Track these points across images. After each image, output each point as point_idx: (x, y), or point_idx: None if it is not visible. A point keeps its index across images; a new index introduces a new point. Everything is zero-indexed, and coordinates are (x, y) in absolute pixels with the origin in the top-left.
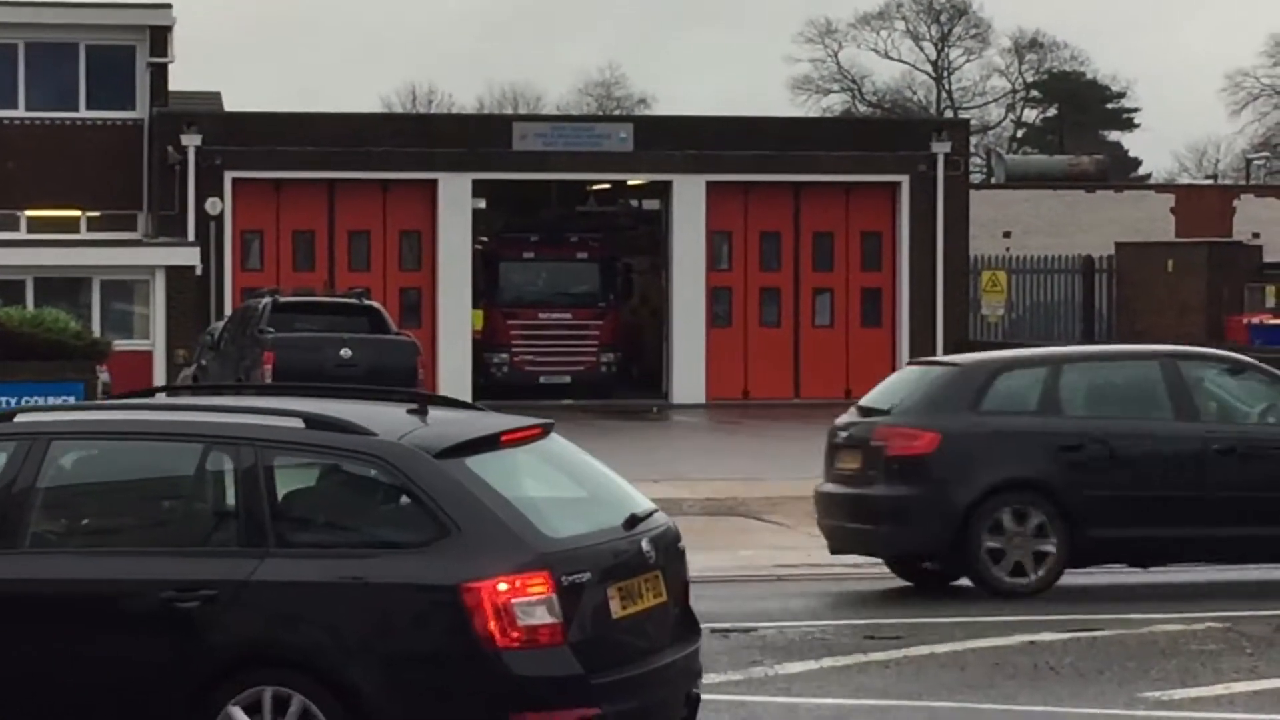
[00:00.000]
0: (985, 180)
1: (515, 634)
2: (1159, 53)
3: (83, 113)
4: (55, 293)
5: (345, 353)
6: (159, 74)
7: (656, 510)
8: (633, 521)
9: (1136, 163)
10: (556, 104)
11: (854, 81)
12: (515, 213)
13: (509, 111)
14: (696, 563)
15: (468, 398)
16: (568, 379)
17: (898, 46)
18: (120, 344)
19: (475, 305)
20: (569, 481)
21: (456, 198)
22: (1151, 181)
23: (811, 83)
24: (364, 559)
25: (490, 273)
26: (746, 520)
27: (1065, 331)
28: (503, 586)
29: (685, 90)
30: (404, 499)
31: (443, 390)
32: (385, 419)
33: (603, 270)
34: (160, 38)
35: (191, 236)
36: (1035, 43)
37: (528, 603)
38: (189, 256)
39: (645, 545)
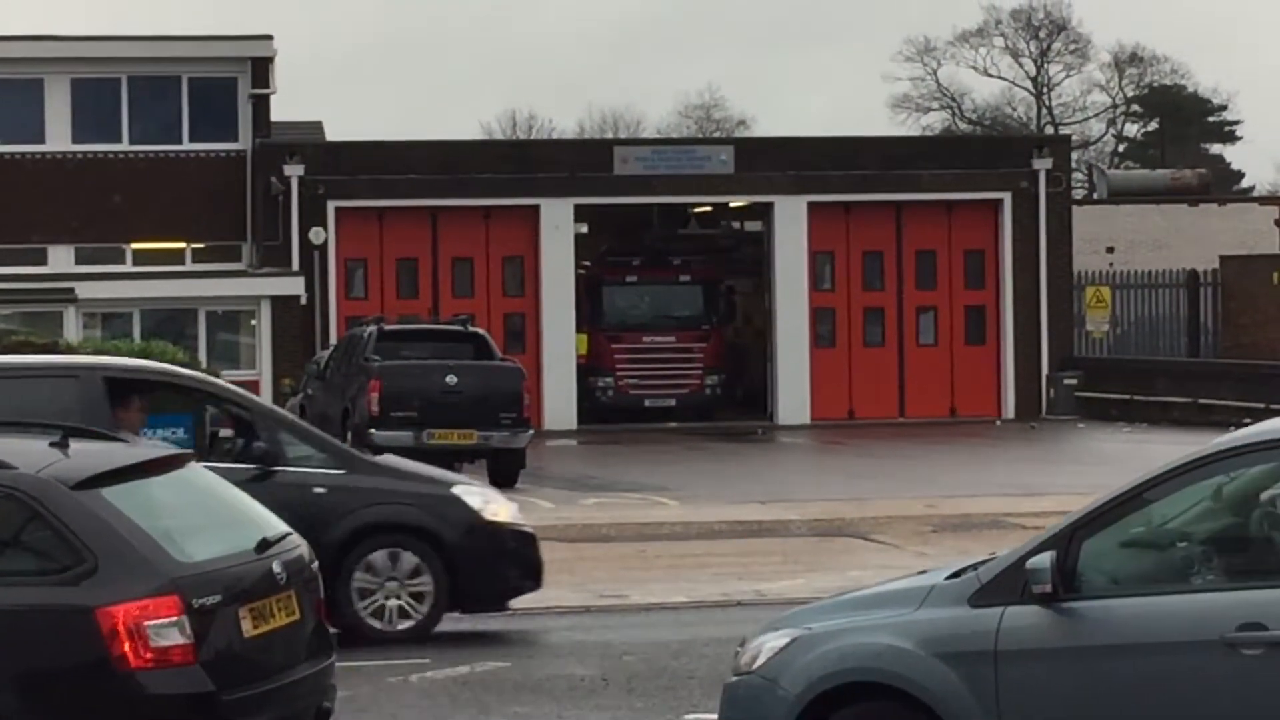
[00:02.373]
0: (1087, 196)
1: (148, 655)
2: (1260, 65)
3: (186, 145)
4: (162, 324)
5: (451, 379)
6: (261, 105)
7: (290, 534)
8: (264, 545)
9: (1239, 175)
10: (657, 127)
11: (954, 99)
12: (617, 237)
13: (609, 136)
14: (806, 583)
15: (573, 423)
16: (672, 402)
17: (997, 63)
18: (226, 374)
19: (579, 330)
20: (204, 509)
21: (558, 223)
22: (1255, 194)
23: (911, 101)
24: (3, 587)
25: (593, 297)
26: (854, 540)
27: (1170, 346)
28: (135, 610)
29: (785, 111)
30: (42, 529)
31: (548, 414)
32: (26, 452)
33: (705, 293)
34: (261, 69)
35: (295, 266)
36: (1135, 57)
37: (160, 625)
38: (293, 286)
39: (277, 567)
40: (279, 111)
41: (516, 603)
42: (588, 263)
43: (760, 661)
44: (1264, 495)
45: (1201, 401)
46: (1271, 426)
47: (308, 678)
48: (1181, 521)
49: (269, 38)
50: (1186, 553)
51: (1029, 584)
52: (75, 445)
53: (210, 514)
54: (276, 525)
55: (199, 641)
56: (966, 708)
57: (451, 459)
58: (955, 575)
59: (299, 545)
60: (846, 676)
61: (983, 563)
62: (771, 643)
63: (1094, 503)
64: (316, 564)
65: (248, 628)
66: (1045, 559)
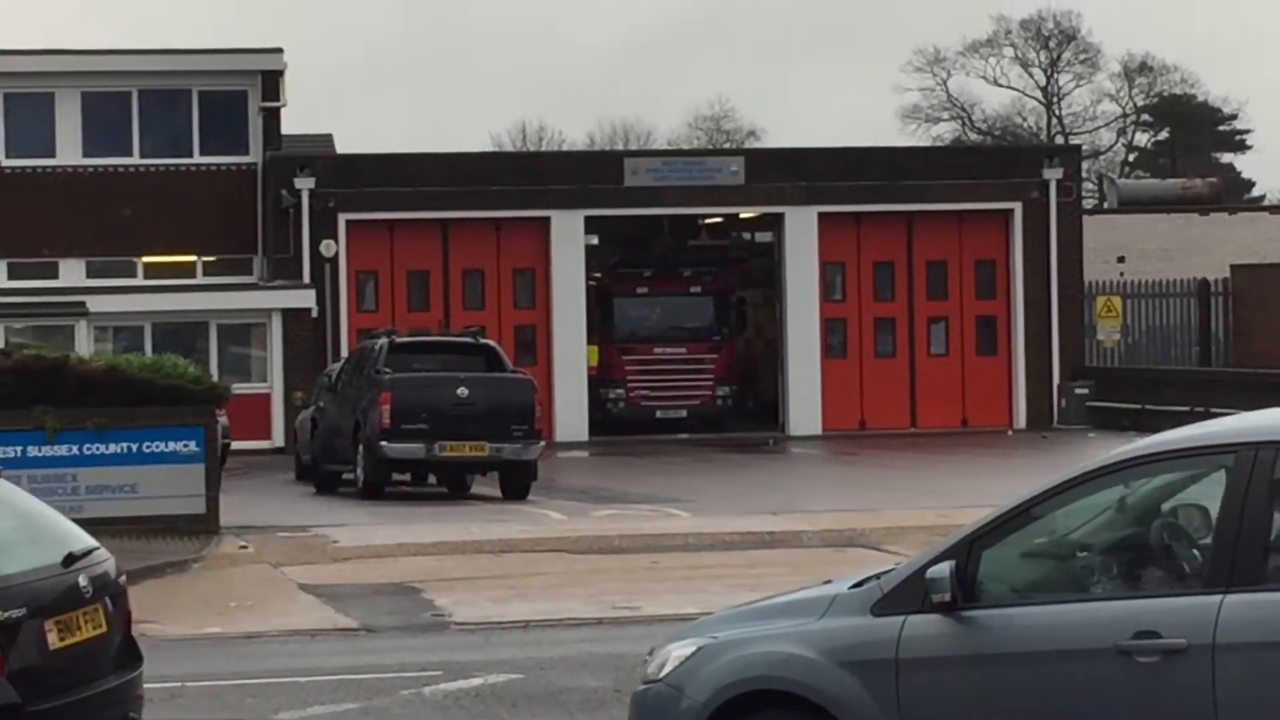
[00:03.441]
0: (1098, 205)
1: None
2: (1270, 73)
3: (196, 158)
4: (173, 338)
5: (462, 391)
6: (271, 118)
7: (98, 548)
8: (70, 560)
9: (1250, 184)
10: (667, 139)
11: (964, 109)
12: (628, 248)
13: (619, 147)
14: None
15: (584, 434)
16: (683, 413)
17: (1007, 73)
18: (238, 387)
19: (590, 341)
20: (9, 524)
21: (569, 234)
22: (1265, 203)
23: (921, 111)
24: None
25: (604, 308)
26: (866, 551)
27: (1181, 356)
28: None
29: (795, 122)
30: None
31: (559, 426)
32: None
33: (716, 304)
34: (272, 82)
35: (307, 279)
36: (1145, 66)
37: None
38: (304, 299)
39: (83, 581)
40: (289, 124)
41: (529, 614)
42: (598, 274)
43: (667, 670)
44: (1165, 506)
45: (1213, 411)
46: (1170, 437)
47: (115, 689)
48: (1082, 531)
49: (279, 51)
50: (1086, 562)
51: (929, 593)
52: None
53: (15, 529)
54: (84, 540)
55: (4, 654)
56: (869, 715)
57: (463, 471)
58: (859, 585)
59: (106, 559)
60: (751, 684)
61: (885, 573)
62: (678, 651)
63: (993, 513)
64: (124, 578)
65: (54, 640)
66: (944, 569)
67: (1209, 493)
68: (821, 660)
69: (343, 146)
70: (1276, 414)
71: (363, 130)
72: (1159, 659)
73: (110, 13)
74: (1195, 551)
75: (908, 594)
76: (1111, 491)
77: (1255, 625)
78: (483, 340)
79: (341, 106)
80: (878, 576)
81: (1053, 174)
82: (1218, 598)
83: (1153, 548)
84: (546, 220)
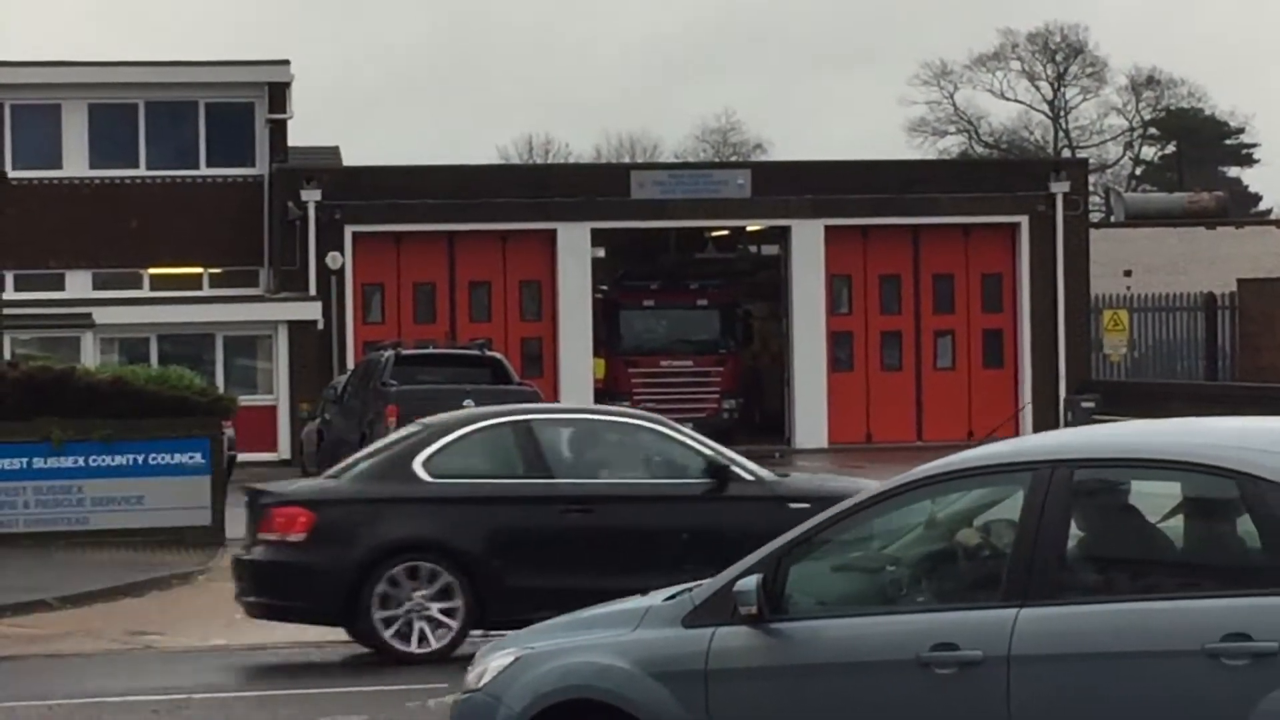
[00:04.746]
0: (1104, 219)
1: None
2: (1277, 87)
3: (203, 170)
4: (179, 349)
5: (468, 404)
6: (278, 130)
7: None
8: None
9: (1257, 198)
10: (674, 152)
11: (970, 123)
12: (634, 261)
13: (626, 160)
14: None
15: None
16: (690, 426)
17: (1014, 87)
18: (244, 399)
19: (596, 354)
20: None
21: (576, 247)
22: (1272, 217)
23: (928, 125)
24: None
25: (611, 321)
26: None
27: (1188, 370)
28: None
29: (801, 135)
30: None
31: None
32: None
33: (723, 316)
34: (279, 94)
35: (313, 291)
36: (1152, 80)
37: None
38: (311, 311)
39: None
40: (296, 137)
41: None
42: (605, 287)
43: (486, 679)
44: (966, 521)
45: None
46: (973, 454)
47: None
48: (889, 545)
49: (285, 63)
50: (893, 576)
51: (737, 606)
52: None
53: None
54: None
55: None
56: None
57: None
58: (672, 597)
59: None
60: (566, 694)
61: (698, 585)
62: (497, 661)
63: (802, 527)
64: None
65: None
66: (752, 581)
67: (1010, 509)
68: (634, 671)
69: (349, 159)
70: (1074, 433)
71: (371, 144)
72: (956, 670)
73: (119, 24)
74: (994, 566)
75: (717, 606)
76: (918, 507)
77: (1048, 638)
78: (489, 353)
79: (350, 120)
80: (690, 589)
81: (1059, 187)
82: (1014, 611)
83: (955, 562)
84: (553, 233)
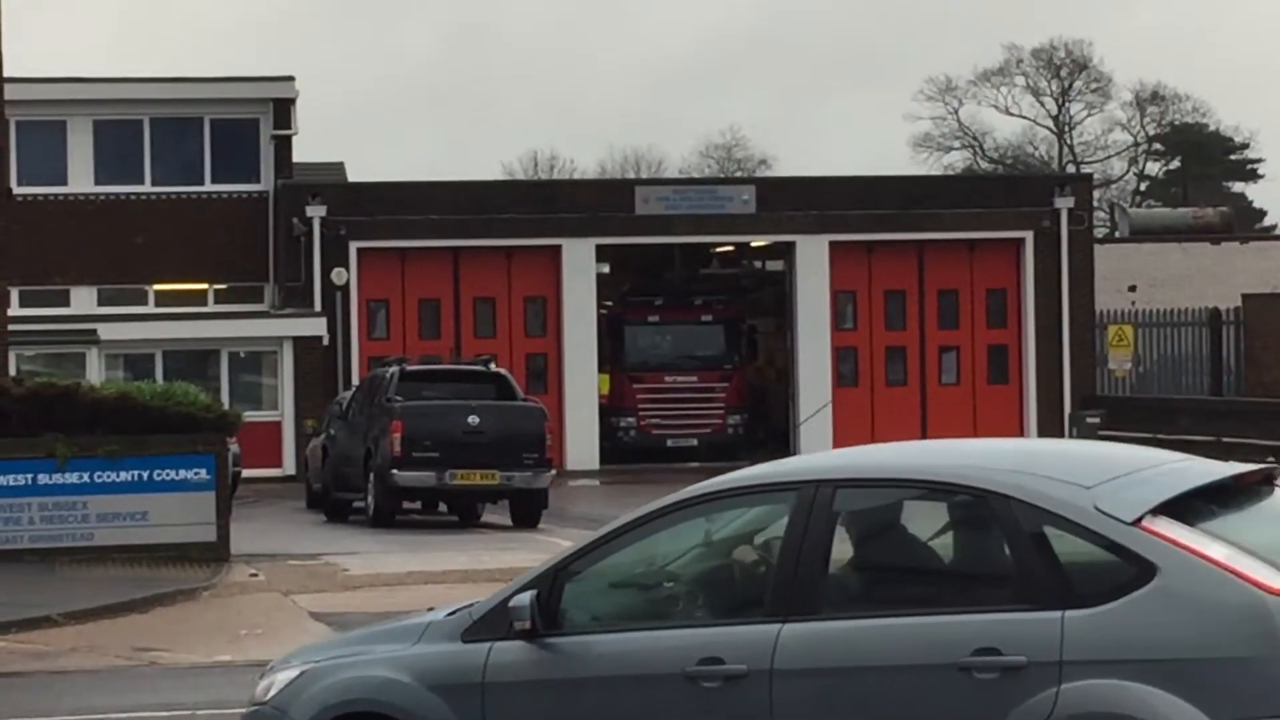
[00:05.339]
0: (1109, 234)
1: None
2: None
3: (208, 186)
4: (184, 365)
5: (473, 420)
6: (283, 146)
7: None
8: None
9: (1261, 214)
10: (678, 168)
11: (975, 138)
12: (639, 276)
13: (631, 176)
14: None
15: (595, 463)
16: (695, 442)
17: (1018, 102)
18: (249, 415)
19: (601, 369)
20: None
21: (580, 263)
22: (1277, 232)
23: (932, 140)
24: None
25: (615, 337)
26: None
27: (1193, 385)
28: None
29: (806, 151)
30: None
31: (570, 454)
32: None
33: (728, 332)
34: (283, 110)
35: (318, 307)
36: (1157, 95)
37: None
38: (316, 327)
39: None
40: (301, 153)
41: None
42: (609, 302)
43: (273, 693)
44: (736, 539)
45: (1225, 440)
46: (744, 473)
47: None
48: (662, 563)
49: (290, 79)
50: (666, 592)
51: (513, 621)
52: None
53: None
54: None
55: None
56: None
57: (474, 500)
58: (454, 613)
59: None
60: (348, 707)
61: (478, 601)
62: (283, 675)
63: (577, 544)
64: None
65: None
66: (526, 598)
67: (778, 527)
68: (413, 684)
69: (355, 176)
70: (840, 453)
71: (376, 160)
72: (722, 684)
73: (123, 41)
74: (761, 583)
75: (494, 622)
76: (692, 525)
77: (810, 652)
78: (494, 368)
79: (355, 136)
80: (470, 605)
81: (1064, 203)
82: (777, 626)
83: (725, 579)
84: (558, 248)
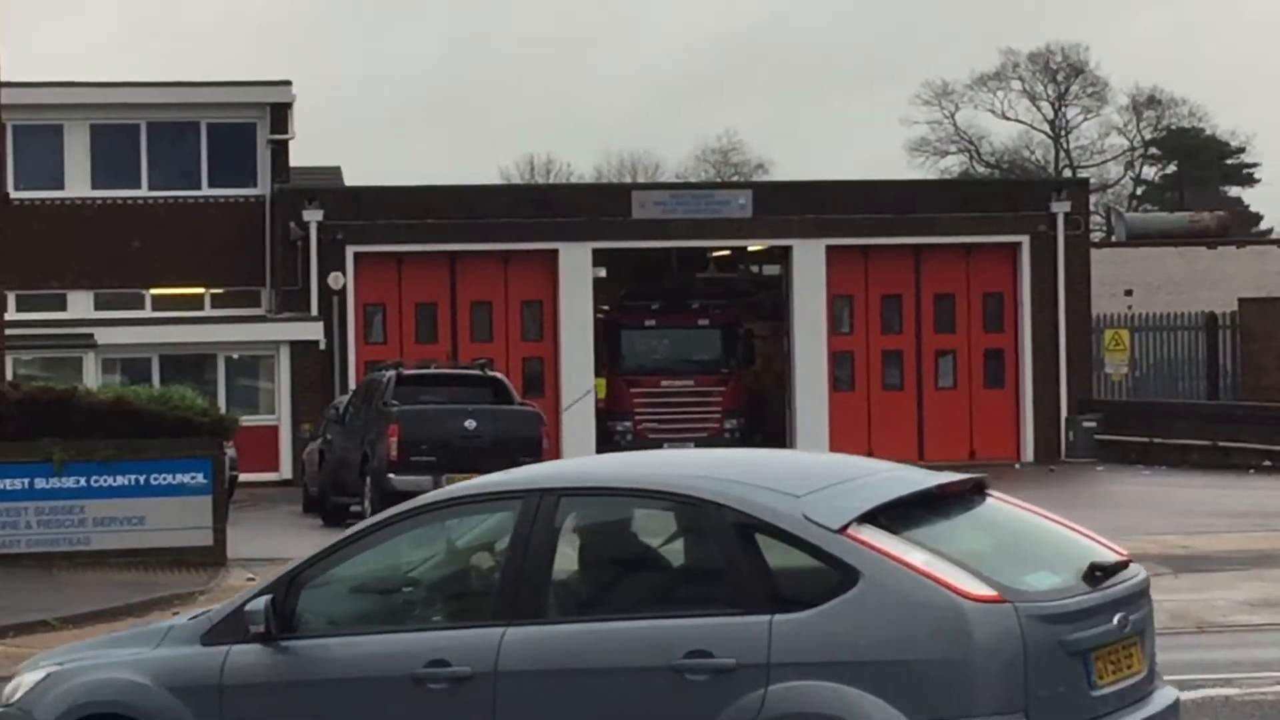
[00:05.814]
0: (1105, 239)
1: None
2: (1278, 107)
3: (205, 190)
4: (181, 370)
5: (470, 424)
6: (280, 151)
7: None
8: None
9: (1258, 218)
10: (675, 172)
11: (971, 142)
12: (636, 281)
13: (628, 180)
14: None
15: None
16: (691, 445)
17: (1015, 106)
18: (246, 419)
19: (598, 374)
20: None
21: (577, 267)
22: (1273, 236)
23: (929, 144)
24: None
25: (612, 341)
26: None
27: (1189, 389)
28: None
29: (802, 155)
30: None
31: (567, 458)
32: None
33: (724, 336)
34: (280, 115)
35: (315, 311)
36: (1153, 100)
37: None
38: (312, 331)
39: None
40: (298, 157)
41: None
42: (606, 307)
43: (19, 695)
44: (467, 546)
45: (1221, 444)
46: (475, 482)
47: None
48: (399, 568)
49: (287, 83)
50: (400, 597)
51: (249, 625)
52: None
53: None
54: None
55: None
56: None
57: None
58: (197, 617)
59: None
60: (90, 709)
61: (219, 606)
62: (30, 677)
63: (313, 551)
64: None
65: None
66: (261, 603)
67: (506, 534)
68: (154, 686)
69: (352, 180)
70: (564, 463)
71: (373, 164)
72: (448, 686)
73: (123, 44)
74: (489, 588)
75: (232, 626)
76: (426, 532)
77: (532, 655)
78: (490, 372)
79: (352, 140)
80: (210, 610)
81: (1060, 207)
82: (501, 630)
83: (455, 584)
84: (554, 253)
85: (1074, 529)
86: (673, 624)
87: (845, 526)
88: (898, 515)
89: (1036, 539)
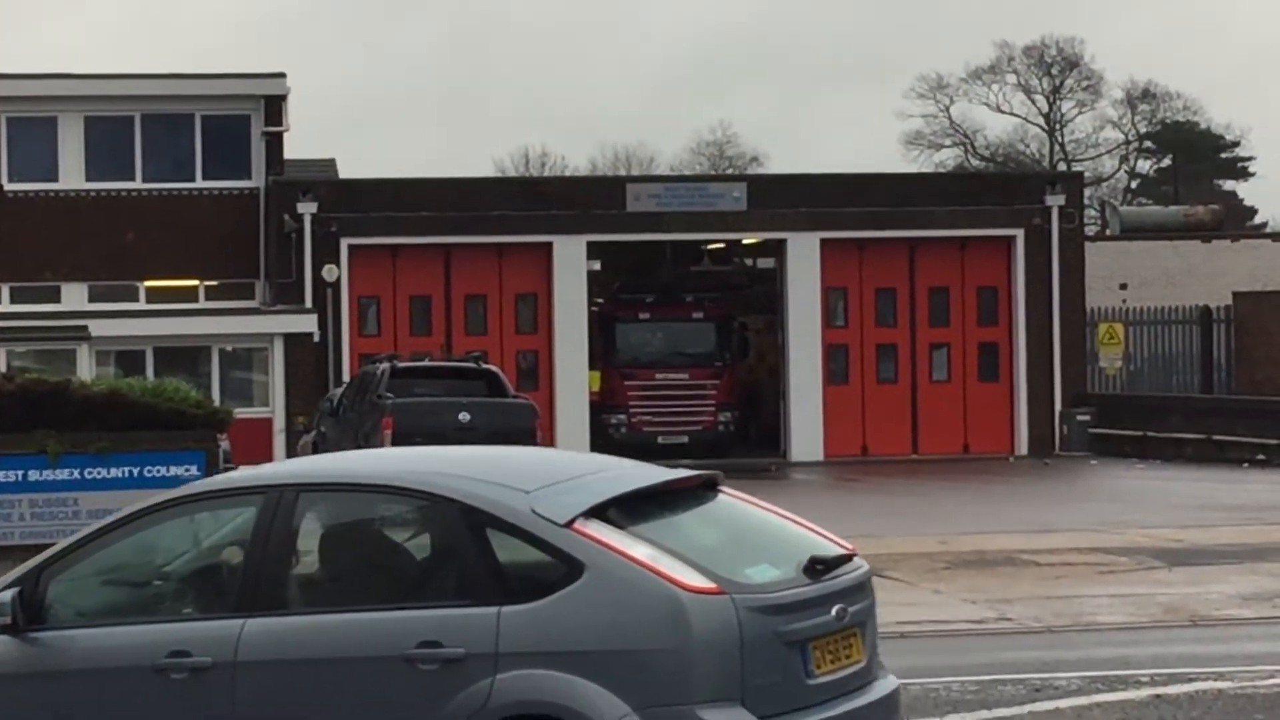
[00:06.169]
0: (1100, 232)
1: None
2: (1273, 101)
3: (199, 183)
4: (175, 362)
5: (464, 416)
6: (274, 143)
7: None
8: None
9: (1252, 211)
10: (670, 165)
11: (966, 136)
12: (630, 273)
13: (622, 173)
14: None
15: None
16: (685, 439)
17: (1009, 100)
18: (240, 412)
19: (592, 367)
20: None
21: (571, 260)
22: (1268, 230)
23: (924, 138)
24: None
25: (607, 334)
26: None
27: (1184, 383)
28: None
29: (797, 148)
30: None
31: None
32: None
33: (719, 330)
34: (275, 107)
35: (309, 304)
36: (1147, 93)
37: None
38: (307, 324)
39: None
40: (292, 149)
41: None
42: (600, 300)
43: None
44: (212, 540)
45: (1215, 438)
46: (223, 478)
47: None
48: (150, 561)
49: (282, 75)
50: (149, 589)
51: None
52: None
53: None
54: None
55: None
56: None
57: None
58: None
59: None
60: None
61: None
62: None
63: (62, 543)
64: None
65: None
66: (8, 595)
67: (248, 528)
68: None
69: (346, 173)
70: (306, 460)
71: (367, 156)
72: (189, 675)
73: (119, 37)
74: (233, 580)
75: None
76: (175, 524)
77: (270, 645)
78: (484, 365)
79: (346, 133)
80: None
81: (1055, 201)
82: (241, 621)
83: (200, 576)
84: (549, 245)
85: (802, 524)
86: (406, 615)
87: (572, 521)
88: (628, 511)
89: (762, 533)
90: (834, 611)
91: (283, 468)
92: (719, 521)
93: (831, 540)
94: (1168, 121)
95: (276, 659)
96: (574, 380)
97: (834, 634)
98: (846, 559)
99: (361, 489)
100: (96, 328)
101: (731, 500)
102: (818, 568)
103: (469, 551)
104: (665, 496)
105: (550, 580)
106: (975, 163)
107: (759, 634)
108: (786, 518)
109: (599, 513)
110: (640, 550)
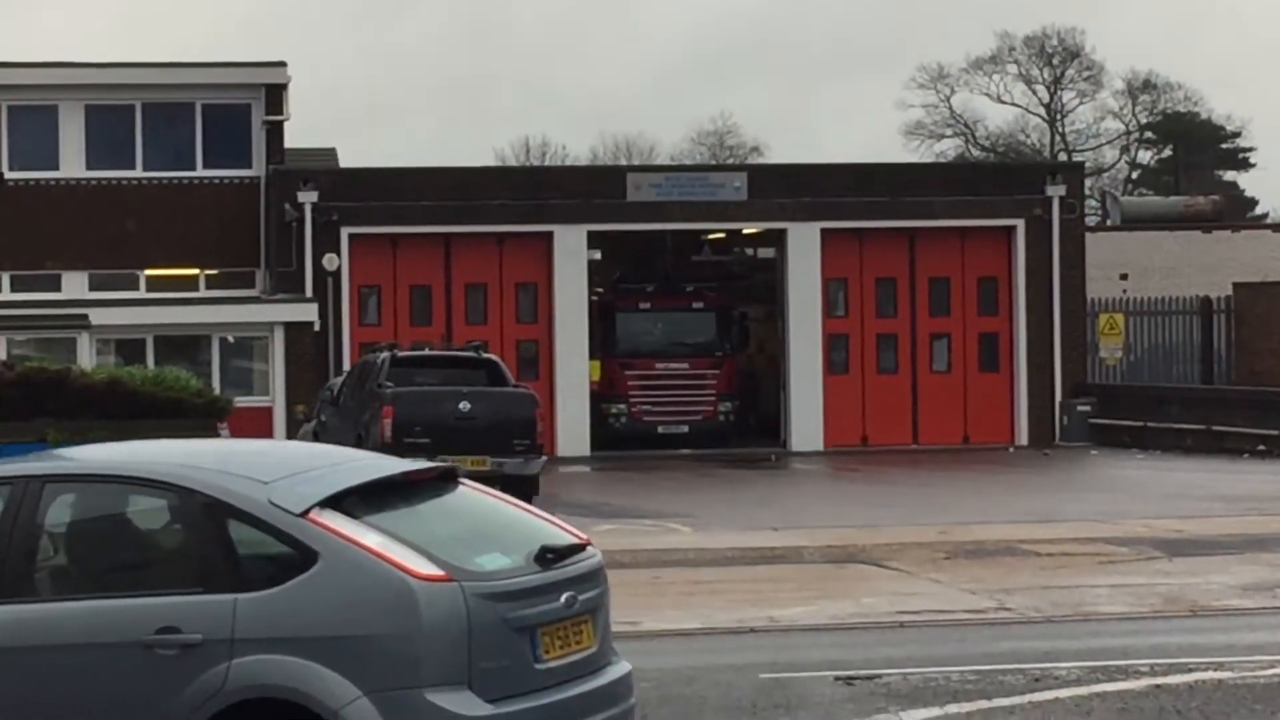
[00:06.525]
0: (1100, 223)
1: None
2: (1273, 91)
3: (200, 172)
4: (175, 351)
5: (464, 406)
6: (275, 132)
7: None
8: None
9: (1253, 202)
10: (670, 154)
11: (967, 126)
12: (631, 263)
13: (622, 162)
14: (819, 610)
15: (587, 449)
16: (685, 428)
17: (1010, 90)
18: (240, 401)
19: (592, 356)
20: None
21: (572, 249)
22: (1268, 221)
23: (924, 128)
24: None
25: (607, 324)
26: (867, 567)
27: (1184, 373)
28: None
29: (798, 138)
30: None
31: (561, 441)
32: None
33: (719, 319)
34: (275, 96)
35: (309, 293)
36: (1148, 84)
37: None
38: (307, 312)
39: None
40: (292, 138)
41: None
42: (601, 289)
43: None
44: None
45: (1215, 428)
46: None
47: None
48: None
49: (282, 64)
50: None
51: None
52: None
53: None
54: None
55: None
56: None
57: None
58: None
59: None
60: None
61: None
62: None
63: None
64: None
65: None
66: None
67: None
68: None
69: (347, 162)
70: (58, 452)
71: (367, 146)
72: None
73: (120, 25)
74: None
75: None
76: None
77: (14, 632)
78: (485, 355)
79: (347, 122)
80: None
81: (1056, 191)
82: None
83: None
84: (549, 235)
85: (538, 515)
86: (146, 602)
87: (307, 511)
88: (365, 501)
89: (497, 523)
90: (563, 599)
91: (33, 460)
92: (455, 512)
93: (566, 530)
94: (1169, 112)
95: (20, 645)
96: (574, 370)
97: (563, 620)
98: (579, 549)
99: (107, 480)
100: (97, 316)
101: (470, 492)
102: (548, 556)
103: (210, 541)
104: (405, 488)
105: (287, 568)
106: (976, 153)
107: (487, 620)
108: (523, 509)
109: (334, 503)
110: (372, 539)
